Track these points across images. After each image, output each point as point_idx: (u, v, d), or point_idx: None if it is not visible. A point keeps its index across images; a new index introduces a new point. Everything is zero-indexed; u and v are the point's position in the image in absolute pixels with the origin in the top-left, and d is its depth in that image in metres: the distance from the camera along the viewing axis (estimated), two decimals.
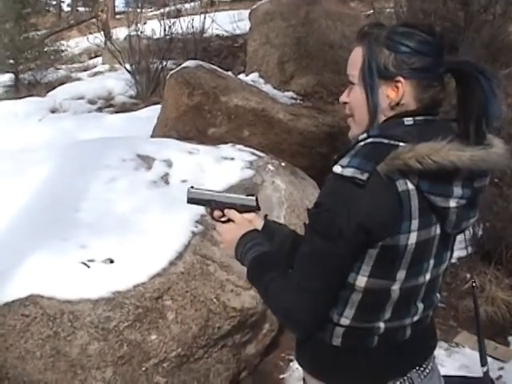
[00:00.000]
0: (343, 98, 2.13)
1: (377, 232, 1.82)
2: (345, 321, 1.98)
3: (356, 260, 1.89)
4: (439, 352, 4.87)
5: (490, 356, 4.77)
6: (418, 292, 2.03)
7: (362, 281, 1.90)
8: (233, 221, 2.30)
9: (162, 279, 3.93)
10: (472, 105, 1.89)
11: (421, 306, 2.06)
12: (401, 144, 1.81)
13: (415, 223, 1.85)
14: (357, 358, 2.05)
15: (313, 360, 2.17)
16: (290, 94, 7.01)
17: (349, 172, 1.78)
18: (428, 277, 2.01)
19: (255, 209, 2.34)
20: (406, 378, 2.07)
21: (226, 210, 2.31)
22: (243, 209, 2.31)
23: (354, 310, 1.96)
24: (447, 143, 1.79)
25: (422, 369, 2.12)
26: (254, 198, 2.34)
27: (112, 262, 3.98)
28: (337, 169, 1.81)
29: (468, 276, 5.69)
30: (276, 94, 6.91)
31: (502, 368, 4.70)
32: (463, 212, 1.94)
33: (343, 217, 1.80)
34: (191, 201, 2.41)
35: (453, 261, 5.85)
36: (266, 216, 2.44)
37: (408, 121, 1.93)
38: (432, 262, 2.00)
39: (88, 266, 3.90)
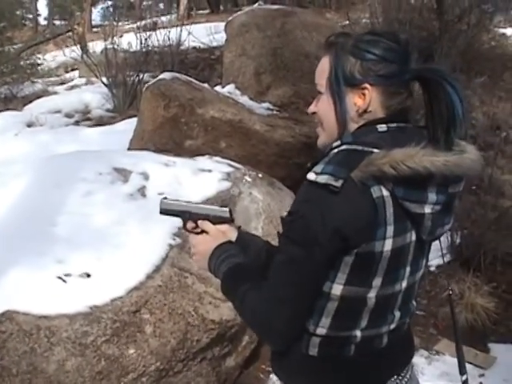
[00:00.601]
0: (311, 108, 2.15)
1: (352, 239, 1.81)
2: (321, 330, 1.97)
3: (331, 268, 1.88)
4: (420, 360, 4.89)
5: (471, 363, 4.78)
6: (395, 300, 2.02)
7: (337, 289, 1.89)
8: (206, 232, 2.29)
9: (139, 293, 3.90)
10: (439, 110, 1.90)
11: (397, 313, 2.06)
12: (375, 150, 1.81)
13: (390, 230, 1.85)
14: (334, 367, 2.04)
15: (289, 371, 2.15)
16: (267, 105, 7.00)
17: (323, 179, 1.77)
18: (404, 284, 2.01)
19: (229, 220, 2.33)
20: None
21: (199, 222, 2.30)
22: (217, 220, 2.30)
23: (329, 319, 1.95)
24: (421, 149, 1.80)
25: (400, 377, 2.11)
26: (227, 209, 2.33)
27: (89, 276, 3.95)
28: (311, 176, 1.80)
29: (447, 283, 5.71)
30: (252, 106, 6.90)
31: (482, 375, 4.72)
32: (438, 218, 1.95)
33: (318, 224, 1.79)
34: (164, 212, 2.38)
35: (432, 268, 5.97)
36: (239, 227, 2.42)
37: (381, 127, 1.94)
38: (408, 269, 2.00)
39: (64, 281, 3.87)
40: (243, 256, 2.20)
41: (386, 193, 1.82)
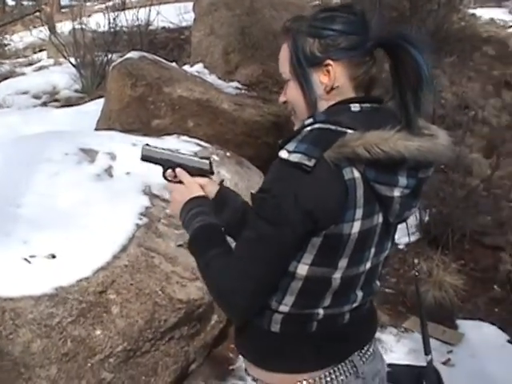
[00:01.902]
0: (281, 98, 2.13)
1: (322, 220, 1.80)
2: (284, 308, 1.96)
3: (299, 248, 1.87)
4: (388, 337, 4.92)
5: (439, 340, 4.83)
6: (358, 280, 2.02)
7: (303, 269, 1.88)
8: (183, 183, 2.27)
9: (105, 273, 3.87)
10: (405, 72, 1.89)
11: (360, 293, 2.06)
12: (348, 131, 1.80)
13: (359, 212, 1.84)
14: (296, 343, 2.03)
15: (253, 348, 2.15)
16: (235, 84, 6.97)
17: (295, 158, 1.75)
18: (368, 265, 2.01)
19: (208, 172, 2.32)
20: (347, 361, 2.07)
21: (177, 170, 2.29)
22: (196, 171, 2.29)
23: (293, 297, 1.94)
24: (396, 132, 1.79)
25: (362, 352, 2.13)
26: (207, 161, 2.32)
27: (54, 257, 3.91)
28: (283, 154, 1.79)
29: (416, 261, 5.74)
30: (221, 85, 6.87)
31: (450, 351, 4.76)
32: (406, 201, 1.95)
33: (290, 204, 1.77)
34: (144, 158, 2.37)
35: (400, 247, 5.99)
36: (221, 182, 2.42)
37: (355, 107, 1.93)
38: (373, 250, 2.00)
39: (30, 262, 3.83)
40: (215, 216, 2.17)
41: (357, 174, 1.81)
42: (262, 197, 1.86)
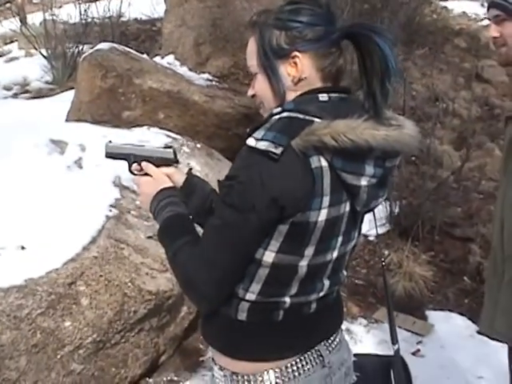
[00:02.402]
0: (249, 91, 2.14)
1: (289, 208, 1.81)
2: (250, 296, 1.98)
3: (265, 235, 1.88)
4: (358, 328, 4.96)
5: (409, 330, 4.89)
6: (325, 269, 2.04)
7: (269, 256, 1.90)
8: (150, 175, 2.29)
9: (75, 264, 3.87)
10: (372, 63, 1.91)
11: (327, 282, 2.08)
12: (316, 120, 1.81)
13: (326, 200, 1.85)
14: (263, 332, 2.05)
15: (220, 336, 2.15)
16: (206, 75, 6.96)
17: (263, 145, 1.76)
18: (335, 254, 2.03)
19: (173, 162, 2.34)
20: (313, 350, 2.09)
21: (143, 164, 2.30)
22: (160, 162, 2.31)
23: (260, 285, 1.96)
24: (363, 121, 1.80)
25: (329, 342, 2.15)
26: (171, 150, 2.34)
27: (24, 248, 3.90)
28: (251, 141, 1.79)
29: (386, 253, 5.78)
30: (192, 76, 6.85)
31: (420, 342, 4.81)
32: (373, 191, 1.96)
33: (257, 191, 1.78)
34: (109, 155, 2.39)
35: (371, 238, 6.03)
36: (189, 170, 2.44)
37: (323, 97, 1.94)
38: (340, 239, 2.01)
39: None
40: (185, 205, 2.20)
41: (324, 163, 1.82)
42: (228, 184, 1.86)
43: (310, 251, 1.92)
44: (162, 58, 7.49)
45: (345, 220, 1.98)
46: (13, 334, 3.55)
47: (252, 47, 2.06)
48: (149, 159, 2.30)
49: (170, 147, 2.36)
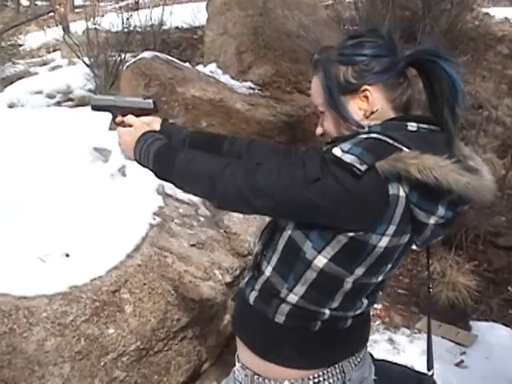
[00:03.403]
0: (318, 130, 2.14)
1: (350, 223, 1.82)
2: (293, 298, 1.99)
3: (314, 232, 1.89)
4: (401, 338, 4.92)
5: (452, 341, 4.83)
6: (368, 289, 2.06)
7: (321, 261, 1.90)
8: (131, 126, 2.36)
9: (119, 272, 3.89)
10: (440, 89, 1.89)
11: (365, 301, 2.10)
12: (405, 149, 1.79)
13: (392, 229, 1.85)
14: (296, 339, 2.07)
15: (251, 333, 2.18)
16: (248, 84, 6.99)
17: (349, 158, 1.75)
18: (381, 278, 2.04)
19: (153, 111, 2.45)
20: (336, 365, 2.11)
21: (125, 118, 2.40)
22: (141, 112, 2.42)
23: (304, 288, 1.97)
24: (451, 163, 1.77)
25: (353, 358, 2.17)
26: (151, 100, 2.45)
27: (68, 256, 3.93)
28: (337, 151, 1.79)
29: (430, 262, 5.73)
30: (234, 84, 6.89)
31: (463, 353, 4.75)
32: (437, 230, 1.95)
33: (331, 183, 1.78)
34: (94, 108, 2.52)
35: (413, 247, 5.98)
36: (164, 119, 2.50)
37: (412, 126, 1.92)
38: (390, 266, 2.02)
39: (44, 261, 3.85)
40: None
41: (402, 193, 1.82)
42: (318, 162, 1.84)
43: (360, 271, 1.92)
44: (205, 66, 7.53)
45: (400, 250, 1.98)
46: (57, 341, 3.57)
47: (317, 86, 2.07)
48: (130, 109, 2.40)
49: (149, 97, 2.47)
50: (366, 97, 1.96)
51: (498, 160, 7.53)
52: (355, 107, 1.98)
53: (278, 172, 1.87)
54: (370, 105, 1.96)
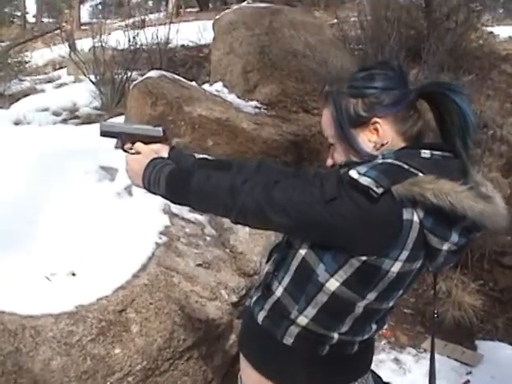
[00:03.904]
0: (329, 162, 2.16)
1: (366, 246, 1.83)
2: (303, 320, 2.00)
3: (326, 253, 1.91)
4: (407, 358, 4.92)
5: (458, 361, 4.82)
6: (378, 314, 2.07)
7: (333, 284, 1.91)
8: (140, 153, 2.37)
9: (125, 292, 3.88)
10: (451, 121, 1.91)
11: (374, 326, 2.12)
12: (420, 174, 1.80)
13: (405, 254, 1.86)
14: (303, 362, 2.08)
15: (257, 352, 2.18)
16: (254, 103, 7.00)
17: (365, 181, 1.77)
18: (391, 303, 2.05)
19: (162, 139, 2.44)
20: None
21: (135, 145, 2.41)
22: (150, 139, 2.42)
23: (315, 310, 1.98)
24: (467, 189, 1.79)
25: (357, 382, 2.20)
26: (160, 128, 2.44)
27: (74, 275, 3.93)
28: (354, 173, 1.80)
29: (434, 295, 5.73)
30: (240, 104, 6.90)
31: (469, 373, 4.75)
32: (450, 256, 1.96)
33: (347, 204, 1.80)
34: (103, 134, 2.52)
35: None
36: (172, 147, 2.50)
37: (425, 153, 1.92)
38: (401, 291, 2.03)
39: (50, 280, 3.85)
40: None
41: (416, 218, 1.83)
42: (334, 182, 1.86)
43: (372, 296, 1.93)
44: (211, 85, 7.55)
45: (412, 275, 1.99)
46: (63, 360, 3.56)
47: (327, 118, 2.08)
48: (140, 137, 2.41)
49: (159, 125, 2.47)
50: (376, 129, 1.97)
51: (503, 179, 7.53)
52: (365, 140, 1.99)
53: (296, 189, 1.89)
54: (381, 137, 1.97)
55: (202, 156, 2.60)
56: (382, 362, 4.81)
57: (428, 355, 4.84)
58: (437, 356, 4.47)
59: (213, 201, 2.05)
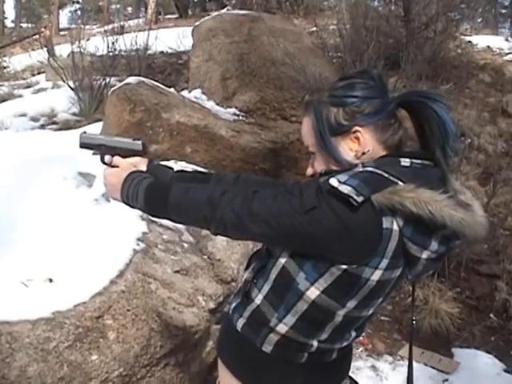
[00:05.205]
0: (309, 171, 2.16)
1: (342, 256, 1.83)
2: (282, 328, 2.00)
3: (308, 262, 1.91)
4: (384, 365, 4.92)
5: (435, 368, 4.83)
6: (357, 322, 2.07)
7: (313, 293, 1.91)
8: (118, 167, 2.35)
9: (102, 298, 3.87)
10: (431, 130, 1.92)
11: (353, 334, 2.12)
12: (400, 183, 1.81)
13: (385, 262, 1.87)
14: (281, 369, 2.09)
15: (236, 359, 2.18)
16: (233, 110, 7.01)
17: (345, 189, 1.76)
18: (371, 311, 2.05)
19: (141, 153, 2.42)
20: None
21: (113, 159, 2.38)
22: (129, 153, 2.40)
23: (295, 318, 1.98)
24: (447, 198, 1.79)
25: None
26: (140, 142, 2.42)
27: (51, 281, 3.92)
28: (334, 182, 1.80)
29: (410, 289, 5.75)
30: (218, 111, 6.91)
31: (446, 380, 4.77)
32: (429, 265, 1.96)
33: (327, 215, 1.80)
34: (83, 145, 2.49)
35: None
36: (150, 160, 2.48)
37: (405, 162, 1.92)
38: (381, 299, 2.04)
39: (27, 286, 3.83)
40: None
41: (395, 227, 1.83)
42: (314, 197, 1.86)
43: (352, 304, 1.94)
44: (189, 91, 7.55)
45: (392, 283, 1.99)
46: (40, 367, 3.54)
47: (307, 127, 2.08)
48: (119, 150, 2.39)
49: (138, 139, 2.45)
50: (358, 138, 1.97)
51: (480, 187, 7.59)
52: (346, 148, 1.99)
53: (275, 199, 1.89)
54: (362, 146, 1.97)
55: (180, 168, 2.58)
56: (359, 370, 4.82)
57: (405, 362, 4.89)
58: (414, 363, 4.51)
59: (192, 213, 2.05)
